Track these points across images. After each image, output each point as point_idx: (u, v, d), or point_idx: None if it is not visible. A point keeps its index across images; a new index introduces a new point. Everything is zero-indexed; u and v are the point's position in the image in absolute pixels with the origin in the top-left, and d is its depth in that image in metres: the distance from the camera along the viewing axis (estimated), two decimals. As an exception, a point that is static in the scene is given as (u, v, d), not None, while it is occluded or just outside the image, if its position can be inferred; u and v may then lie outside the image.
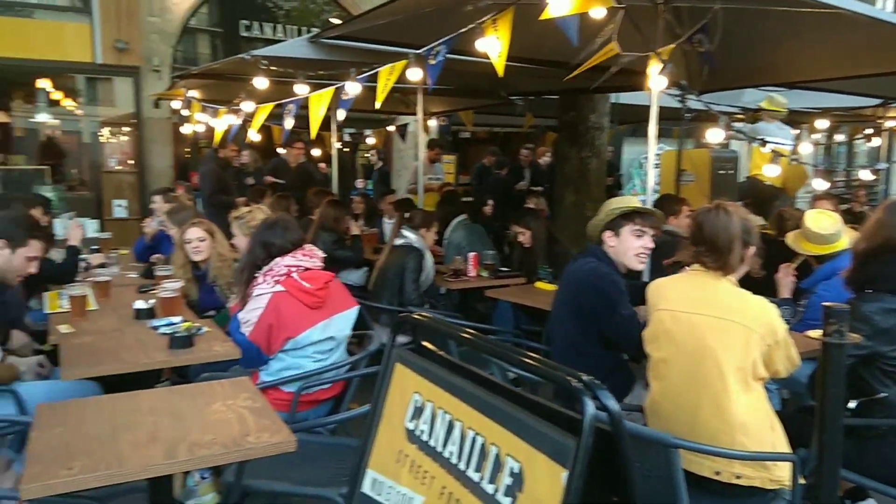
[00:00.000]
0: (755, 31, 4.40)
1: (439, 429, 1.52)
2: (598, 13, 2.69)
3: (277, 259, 2.87)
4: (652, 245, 2.86)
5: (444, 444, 1.49)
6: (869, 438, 2.39)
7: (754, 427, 2.19)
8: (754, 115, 6.36)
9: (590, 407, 1.13)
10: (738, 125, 6.49)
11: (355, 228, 5.03)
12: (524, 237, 4.53)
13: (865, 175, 7.00)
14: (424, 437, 1.56)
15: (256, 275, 2.89)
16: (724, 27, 3.70)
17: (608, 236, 2.84)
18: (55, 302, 3.37)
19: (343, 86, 3.84)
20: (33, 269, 2.78)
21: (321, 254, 2.96)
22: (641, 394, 2.81)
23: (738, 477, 2.17)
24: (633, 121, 8.44)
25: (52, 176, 8.99)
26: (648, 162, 3.85)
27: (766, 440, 2.18)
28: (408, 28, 3.99)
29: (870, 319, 2.35)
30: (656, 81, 3.05)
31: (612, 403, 1.15)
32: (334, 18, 9.29)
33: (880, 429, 2.38)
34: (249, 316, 2.83)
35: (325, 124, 7.17)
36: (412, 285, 4.11)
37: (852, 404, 2.45)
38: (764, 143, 4.98)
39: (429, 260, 4.33)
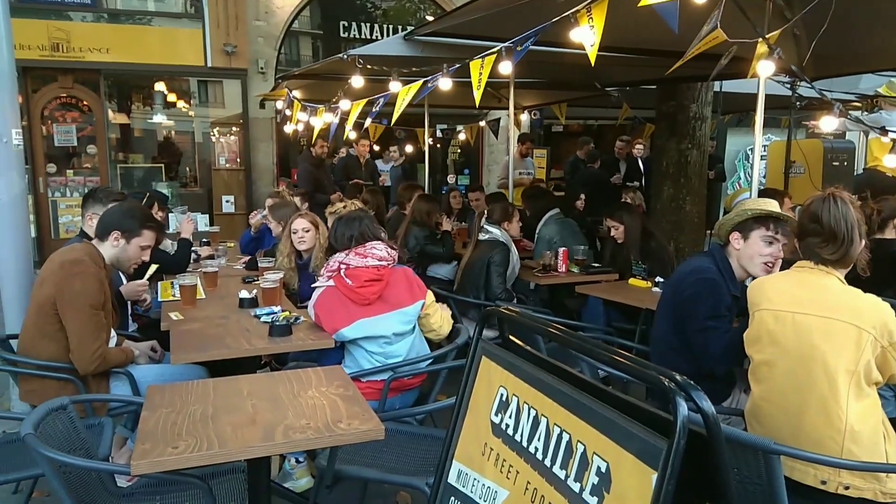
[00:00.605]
0: (872, 11, 4.07)
1: (525, 423, 1.50)
2: (699, -2, 2.57)
3: (337, 254, 2.95)
4: (781, 255, 2.68)
5: (530, 440, 1.47)
6: None
7: (866, 435, 2.04)
8: (872, 102, 5.87)
9: (683, 408, 1.08)
10: (854, 113, 6.03)
11: (447, 224, 5.07)
12: (616, 232, 4.41)
13: None
14: (510, 432, 1.55)
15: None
16: (837, 9, 3.44)
17: (735, 238, 2.70)
18: (168, 291, 3.61)
19: (436, 79, 3.88)
20: (146, 257, 2.98)
21: (381, 252, 2.93)
22: (742, 398, 2.67)
23: (846, 488, 2.04)
24: (738, 110, 8.01)
25: (167, 173, 9.66)
26: (755, 153, 3.64)
27: (878, 450, 2.03)
28: (500, 22, 3.98)
29: None
30: (764, 67, 2.86)
31: (707, 405, 1.10)
32: (430, 16, 9.40)
33: None
34: (310, 304, 2.94)
35: (418, 121, 7.30)
36: (498, 279, 4.10)
37: None
38: (885, 131, 4.60)
39: (514, 253, 4.30)
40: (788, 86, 5.09)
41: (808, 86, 4.57)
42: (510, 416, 1.57)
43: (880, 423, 2.08)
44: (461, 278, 4.38)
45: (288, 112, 6.10)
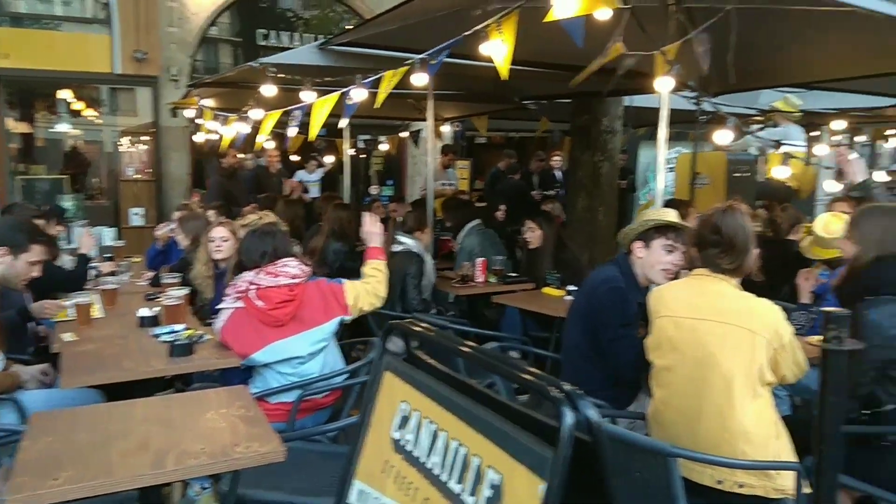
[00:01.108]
0: (770, 30, 4.32)
1: (424, 439, 1.48)
2: (603, 14, 2.65)
3: (245, 273, 2.81)
4: (681, 262, 2.77)
5: (429, 455, 1.45)
6: (878, 449, 2.31)
7: (758, 435, 2.14)
8: (769, 116, 6.25)
9: (568, 417, 1.09)
10: (755, 127, 6.40)
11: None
12: (532, 235, 4.48)
13: (880, 177, 6.86)
14: (409, 448, 1.53)
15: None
16: (739, 27, 3.63)
17: (638, 247, 2.79)
18: (63, 310, 3.40)
19: (349, 91, 3.84)
20: (36, 272, 2.81)
21: (294, 270, 2.80)
22: (647, 402, 2.76)
23: (740, 486, 2.12)
24: (648, 124, 8.34)
25: (72, 185, 9.14)
26: (658, 165, 3.78)
27: (770, 449, 2.13)
28: (415, 33, 3.98)
29: (878, 326, 2.26)
30: (662, 83, 2.99)
31: (593, 413, 1.11)
32: (351, 26, 9.35)
33: (889, 438, 2.29)
34: (216, 326, 2.81)
35: (338, 131, 7.23)
36: (414, 291, 4.09)
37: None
38: (778, 144, 4.90)
39: (428, 263, 4.31)
40: (693, 101, 5.35)
41: (710, 101, 4.83)
42: (411, 432, 1.54)
43: (773, 422, 2.18)
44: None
45: (199, 121, 5.90)
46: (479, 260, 4.57)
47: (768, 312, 2.15)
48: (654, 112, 3.92)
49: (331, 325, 2.86)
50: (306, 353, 2.78)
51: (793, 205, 5.66)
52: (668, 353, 2.32)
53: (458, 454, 1.36)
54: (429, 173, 5.49)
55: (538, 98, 6.38)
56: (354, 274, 4.76)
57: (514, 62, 4.99)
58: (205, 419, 1.96)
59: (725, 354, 2.16)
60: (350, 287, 2.96)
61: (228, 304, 2.79)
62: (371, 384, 1.73)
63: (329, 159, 8.46)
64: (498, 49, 2.93)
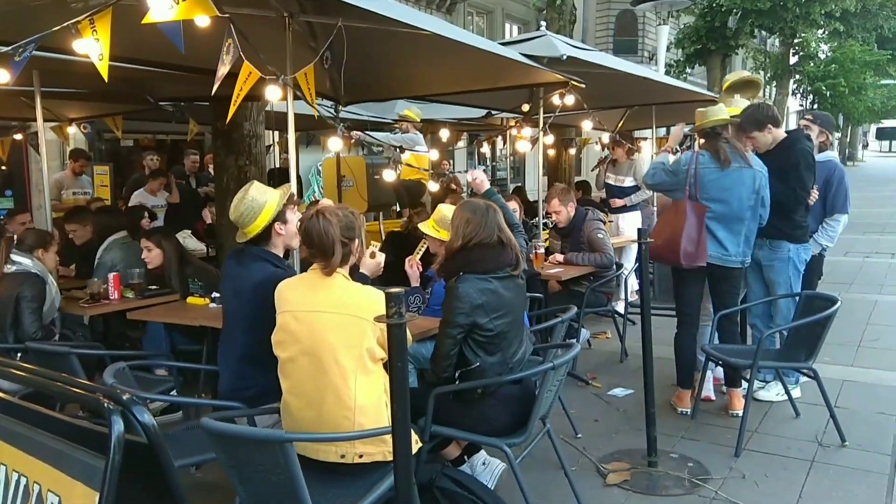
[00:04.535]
0: (384, 48, 4.82)
1: (-16, 479, 1.34)
2: (202, 21, 2.66)
3: None
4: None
5: (-9, 495, 1.32)
6: (470, 402, 2.80)
7: (372, 407, 2.41)
8: (399, 124, 7.01)
9: (118, 424, 1.10)
10: (379, 134, 7.14)
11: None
12: (149, 255, 4.31)
13: (468, 177, 8.36)
14: (-30, 492, 1.37)
15: None
16: (358, 42, 3.97)
17: (279, 227, 2.87)
18: None
19: None
20: None
21: None
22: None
23: (360, 456, 2.37)
24: (303, 129, 8.61)
25: None
26: (291, 168, 3.94)
27: (383, 417, 2.40)
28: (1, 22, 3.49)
29: (467, 297, 2.73)
30: (272, 92, 3.19)
31: (147, 417, 1.14)
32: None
33: (476, 392, 2.79)
34: None
35: None
36: (31, 316, 3.59)
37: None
38: (402, 149, 5.54)
39: (52, 285, 3.83)
40: (329, 109, 5.70)
41: (332, 110, 5.21)
42: (-30, 474, 1.38)
43: (383, 393, 2.46)
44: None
45: None
46: (112, 275, 4.19)
47: (371, 299, 2.44)
48: (299, 118, 4.10)
49: None
50: None
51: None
52: (290, 346, 2.48)
53: (19, 486, 1.27)
54: (45, 181, 4.84)
55: (175, 100, 6.09)
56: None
57: (145, 62, 4.69)
58: None
59: (338, 341, 2.40)
60: None
61: None
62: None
63: None
64: (93, 48, 2.73)
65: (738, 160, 3.78)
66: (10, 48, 2.97)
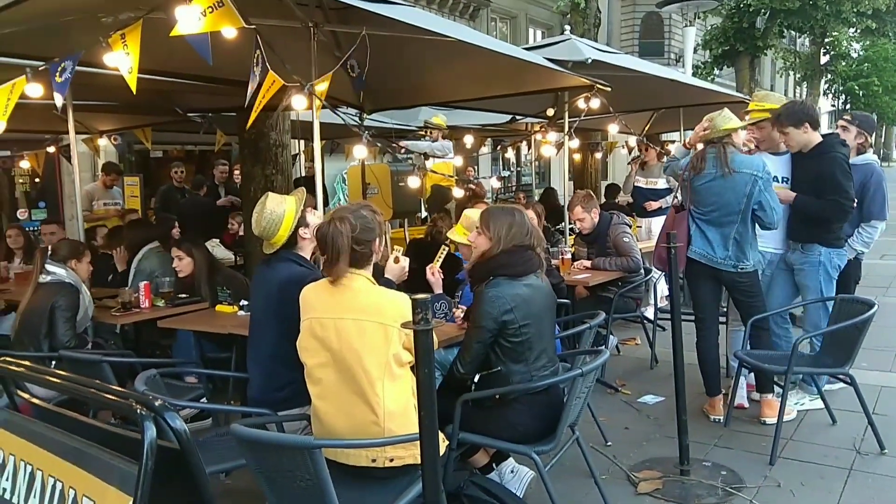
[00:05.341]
0: (408, 56, 4.84)
1: (21, 484, 1.37)
2: (229, 32, 2.70)
3: None
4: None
5: (27, 499, 1.34)
6: (492, 407, 2.78)
7: (400, 412, 2.40)
8: (421, 132, 7.03)
9: (151, 431, 1.11)
10: (416, 141, 7.13)
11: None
12: (180, 264, 4.35)
13: (493, 182, 8.28)
14: (7, 496, 1.39)
15: None
16: (381, 51, 3.99)
17: (303, 231, 2.92)
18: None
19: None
20: None
21: None
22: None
23: (391, 460, 2.36)
24: (329, 138, 8.67)
25: None
26: (317, 176, 3.98)
27: (412, 422, 2.39)
28: (34, 38, 3.58)
29: (498, 300, 2.72)
30: (298, 101, 3.21)
31: (178, 423, 1.15)
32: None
33: (495, 397, 2.77)
34: None
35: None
36: (65, 326, 3.66)
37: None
38: (427, 156, 5.55)
39: (86, 295, 3.90)
40: (355, 117, 5.73)
41: (357, 118, 5.23)
42: (7, 479, 1.41)
43: (411, 396, 2.46)
44: (18, 328, 3.78)
45: None
46: (142, 284, 4.25)
47: (395, 304, 2.43)
48: (329, 127, 4.14)
49: None
50: None
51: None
52: (317, 352, 2.49)
53: (55, 491, 1.29)
54: (77, 193, 4.94)
55: (202, 111, 6.19)
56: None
57: (173, 74, 4.78)
58: None
59: (364, 348, 2.39)
60: None
61: None
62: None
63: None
64: (123, 61, 2.79)
65: (724, 167, 3.73)
66: (47, 64, 3.05)
